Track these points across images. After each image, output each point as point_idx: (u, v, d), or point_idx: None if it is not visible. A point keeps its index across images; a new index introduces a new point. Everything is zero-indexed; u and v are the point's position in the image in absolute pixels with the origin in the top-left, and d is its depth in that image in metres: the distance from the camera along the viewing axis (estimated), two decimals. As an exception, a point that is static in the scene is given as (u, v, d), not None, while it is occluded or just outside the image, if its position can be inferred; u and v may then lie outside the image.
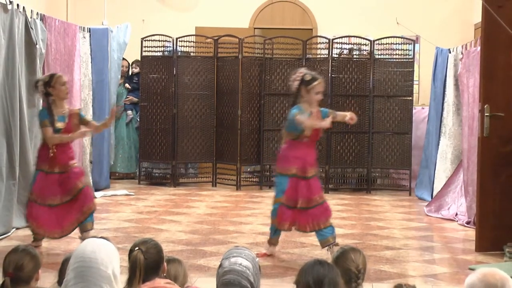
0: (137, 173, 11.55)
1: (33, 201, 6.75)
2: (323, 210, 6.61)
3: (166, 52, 11.24)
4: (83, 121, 6.95)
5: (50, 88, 6.75)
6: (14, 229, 7.57)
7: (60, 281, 3.72)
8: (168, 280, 3.47)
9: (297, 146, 6.56)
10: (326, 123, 6.50)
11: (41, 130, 6.89)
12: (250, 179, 11.42)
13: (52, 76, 6.86)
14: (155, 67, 11.25)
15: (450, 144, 9.66)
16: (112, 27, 10.97)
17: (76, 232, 7.65)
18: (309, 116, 6.53)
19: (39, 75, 8.08)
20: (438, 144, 9.98)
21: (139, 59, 11.45)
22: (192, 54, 11.50)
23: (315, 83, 6.53)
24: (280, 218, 6.62)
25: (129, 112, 11.75)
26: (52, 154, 6.68)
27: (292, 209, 6.55)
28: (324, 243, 6.61)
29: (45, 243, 7.12)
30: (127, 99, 11.78)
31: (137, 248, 3.40)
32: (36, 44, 7.97)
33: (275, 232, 6.75)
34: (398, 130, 10.94)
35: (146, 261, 3.37)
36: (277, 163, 6.83)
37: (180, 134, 11.19)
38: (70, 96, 9.13)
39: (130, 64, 11.92)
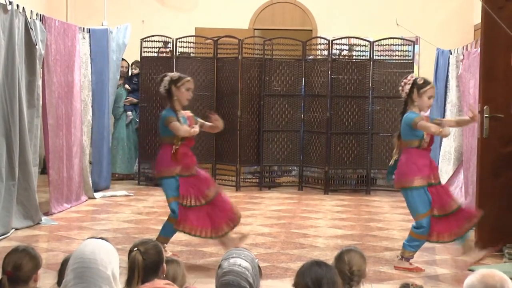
0: (137, 174, 11.54)
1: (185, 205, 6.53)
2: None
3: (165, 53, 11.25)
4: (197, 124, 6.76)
5: (174, 88, 6.53)
6: (13, 229, 7.57)
7: (59, 282, 3.72)
8: (168, 281, 3.47)
9: (421, 154, 6.33)
10: (445, 132, 6.39)
11: (166, 127, 6.51)
12: (250, 180, 11.42)
13: (182, 77, 6.63)
14: (154, 68, 11.25)
15: (452, 146, 9.66)
16: (112, 28, 10.98)
17: (76, 233, 7.66)
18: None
19: (39, 75, 8.09)
20: (441, 145, 9.97)
21: (139, 59, 11.45)
22: (191, 55, 11.50)
23: (428, 87, 6.35)
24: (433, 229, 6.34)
25: (129, 113, 11.74)
26: (174, 151, 6.45)
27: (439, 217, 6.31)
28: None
29: (45, 244, 7.12)
30: (127, 100, 11.77)
31: (136, 249, 3.40)
32: (36, 44, 7.97)
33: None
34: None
35: (145, 261, 3.37)
36: (399, 177, 6.42)
37: (179, 135, 11.16)
38: (70, 96, 9.19)
39: (130, 65, 11.92)
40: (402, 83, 6.46)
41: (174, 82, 6.54)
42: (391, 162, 6.56)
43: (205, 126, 6.80)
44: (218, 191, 6.62)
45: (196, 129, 6.57)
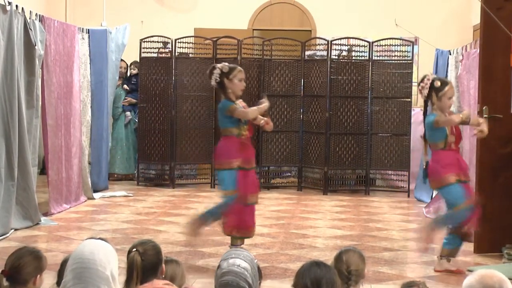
0: (136, 174, 11.54)
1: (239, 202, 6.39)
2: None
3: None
4: None
5: (226, 80, 6.41)
6: (12, 230, 7.57)
7: (59, 282, 3.72)
8: (167, 281, 3.47)
9: (447, 154, 6.29)
10: (465, 114, 6.26)
11: (228, 117, 6.41)
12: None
13: (233, 68, 6.48)
14: (154, 68, 11.25)
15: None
16: (111, 28, 10.98)
17: (75, 233, 7.66)
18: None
19: (38, 76, 8.09)
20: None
21: (138, 60, 11.45)
22: (191, 55, 11.50)
23: (446, 88, 6.25)
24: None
25: (128, 113, 11.74)
26: (244, 138, 6.40)
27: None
28: None
29: (44, 244, 7.12)
30: (126, 100, 11.77)
31: (134, 249, 3.40)
32: (35, 45, 7.97)
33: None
34: (396, 132, 10.95)
35: (144, 262, 3.37)
36: (432, 179, 6.39)
37: (178, 136, 11.18)
38: (69, 97, 9.19)
39: (129, 65, 11.92)
40: (420, 87, 6.36)
41: (225, 74, 6.41)
42: (424, 164, 6.50)
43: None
44: (257, 201, 6.61)
45: (266, 103, 6.49)
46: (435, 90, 6.26)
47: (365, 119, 10.96)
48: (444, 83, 6.35)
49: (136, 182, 11.37)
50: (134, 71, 11.77)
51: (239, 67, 6.58)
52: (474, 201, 6.31)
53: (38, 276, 3.57)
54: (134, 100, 11.66)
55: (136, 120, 11.62)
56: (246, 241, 7.35)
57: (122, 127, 11.73)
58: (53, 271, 3.85)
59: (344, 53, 11.24)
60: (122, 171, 11.71)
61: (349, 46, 11.27)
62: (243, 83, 6.50)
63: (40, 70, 8.24)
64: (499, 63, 6.95)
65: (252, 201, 6.47)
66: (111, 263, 3.09)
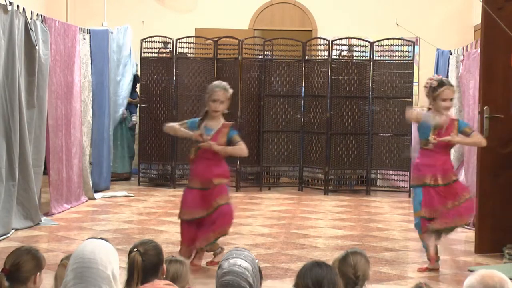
0: (131, 173, 11.54)
1: None
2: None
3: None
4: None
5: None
6: (13, 230, 7.57)
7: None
8: (168, 282, 3.47)
9: (426, 154, 6.32)
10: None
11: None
12: (250, 180, 11.42)
13: (209, 89, 6.44)
14: (154, 69, 11.26)
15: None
16: (112, 28, 10.98)
17: (76, 233, 7.66)
18: (436, 123, 6.27)
19: (38, 76, 8.07)
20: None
21: (139, 60, 11.44)
22: (191, 55, 11.50)
23: (441, 89, 6.24)
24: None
25: (122, 109, 11.68)
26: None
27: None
28: None
29: (45, 244, 7.13)
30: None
31: (135, 249, 3.40)
32: (36, 45, 7.97)
33: None
34: (397, 132, 10.95)
35: (145, 262, 3.37)
36: (412, 173, 6.55)
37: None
38: (70, 97, 9.19)
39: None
40: (423, 86, 6.47)
41: (431, 90, 6.34)
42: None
43: None
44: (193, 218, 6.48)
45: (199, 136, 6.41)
46: (431, 90, 6.31)
47: (366, 119, 10.96)
48: (441, 84, 6.30)
49: (137, 182, 11.37)
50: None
51: (216, 87, 6.42)
52: (429, 213, 6.27)
53: (38, 274, 3.57)
54: (129, 99, 11.62)
55: (131, 119, 11.63)
56: (247, 241, 7.37)
57: (117, 126, 11.68)
58: (53, 271, 3.85)
59: (345, 53, 11.24)
60: (117, 169, 11.65)
61: (350, 46, 11.28)
62: (216, 104, 6.35)
63: (48, 71, 8.23)
64: (500, 63, 6.94)
65: (184, 217, 6.39)
66: (112, 262, 3.09)
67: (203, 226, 6.30)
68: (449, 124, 6.34)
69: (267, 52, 11.30)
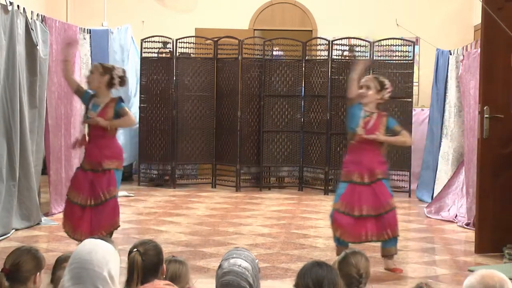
0: (131, 173, 11.56)
1: None
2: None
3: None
4: None
5: None
6: (13, 230, 7.57)
7: (53, 279, 3.72)
8: (168, 282, 3.47)
9: (352, 149, 6.45)
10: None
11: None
12: (250, 181, 11.42)
13: None
14: (154, 69, 11.26)
15: (451, 146, 9.66)
16: (112, 28, 10.98)
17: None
18: (364, 116, 6.36)
19: (39, 76, 8.08)
20: (440, 146, 9.98)
21: (139, 60, 11.44)
22: (192, 55, 11.50)
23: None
24: None
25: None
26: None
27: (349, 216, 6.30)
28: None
29: (45, 244, 7.12)
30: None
31: (135, 249, 3.40)
32: (37, 45, 7.97)
33: None
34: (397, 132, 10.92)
35: (144, 262, 3.37)
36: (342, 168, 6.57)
37: (179, 136, 11.19)
38: (70, 97, 9.18)
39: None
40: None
41: None
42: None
43: None
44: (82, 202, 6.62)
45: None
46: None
47: (366, 119, 10.94)
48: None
49: (137, 182, 11.38)
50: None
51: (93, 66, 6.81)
52: (344, 207, 6.25)
53: (38, 274, 3.57)
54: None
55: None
56: (247, 241, 7.37)
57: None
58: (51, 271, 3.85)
59: (345, 53, 11.23)
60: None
61: (350, 46, 11.27)
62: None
63: (48, 70, 8.23)
64: (500, 63, 6.94)
65: (70, 197, 6.61)
66: (109, 263, 3.06)
67: (92, 217, 6.48)
68: (376, 119, 6.37)
69: (276, 52, 11.30)
